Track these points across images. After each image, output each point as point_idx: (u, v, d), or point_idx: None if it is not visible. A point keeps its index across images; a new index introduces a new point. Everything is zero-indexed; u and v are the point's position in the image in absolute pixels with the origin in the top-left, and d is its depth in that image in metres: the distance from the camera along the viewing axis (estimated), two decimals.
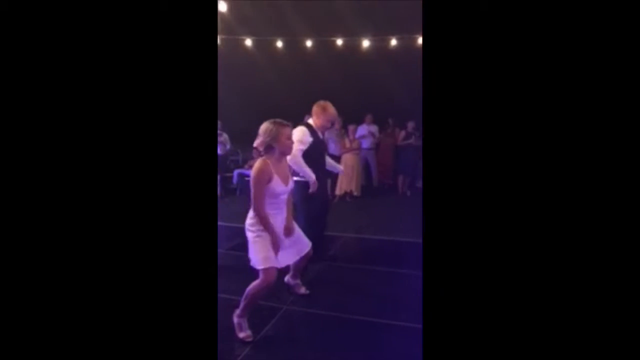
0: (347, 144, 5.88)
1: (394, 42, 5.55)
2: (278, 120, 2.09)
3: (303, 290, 2.69)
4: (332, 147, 6.00)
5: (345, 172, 5.87)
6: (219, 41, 4.47)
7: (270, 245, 2.07)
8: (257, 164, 2.04)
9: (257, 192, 2.01)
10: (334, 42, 5.26)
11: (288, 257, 2.23)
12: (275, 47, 5.56)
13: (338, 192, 5.94)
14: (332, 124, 2.95)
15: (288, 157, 2.64)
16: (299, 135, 2.73)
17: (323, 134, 2.98)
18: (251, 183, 2.05)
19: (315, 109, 2.86)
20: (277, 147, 2.06)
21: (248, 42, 5.46)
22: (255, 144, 2.10)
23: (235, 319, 2.18)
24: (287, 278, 2.73)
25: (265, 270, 2.04)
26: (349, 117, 6.00)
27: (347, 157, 5.88)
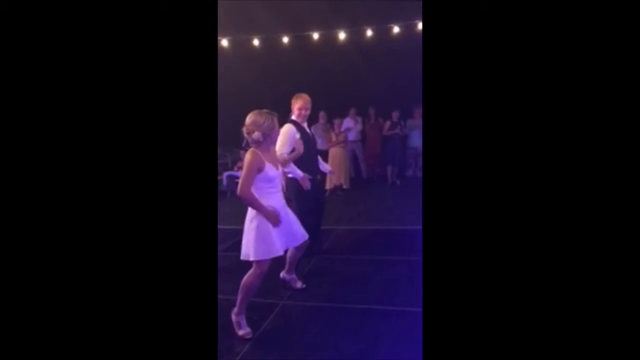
0: (334, 138, 5.90)
1: (369, 33, 5.54)
2: (266, 110, 2.13)
3: (299, 284, 2.72)
4: (319, 142, 6.02)
5: (334, 165, 5.91)
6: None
7: (263, 236, 2.09)
8: (250, 155, 2.07)
9: (246, 178, 2.04)
10: (309, 36, 5.22)
11: (286, 242, 2.26)
12: (252, 46, 5.50)
13: (328, 186, 5.96)
14: (309, 109, 2.91)
15: (278, 152, 2.66)
16: (284, 130, 2.73)
17: (310, 127, 3.00)
18: (243, 171, 2.10)
19: (292, 102, 2.90)
20: (272, 136, 2.15)
21: (224, 42, 5.41)
22: (254, 137, 2.08)
23: (234, 317, 2.20)
24: (282, 274, 2.75)
25: (257, 261, 2.08)
26: (333, 111, 6.03)
27: (335, 151, 5.90)
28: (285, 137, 2.73)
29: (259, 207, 2.07)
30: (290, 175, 2.87)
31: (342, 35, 5.12)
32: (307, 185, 2.77)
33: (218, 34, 5.04)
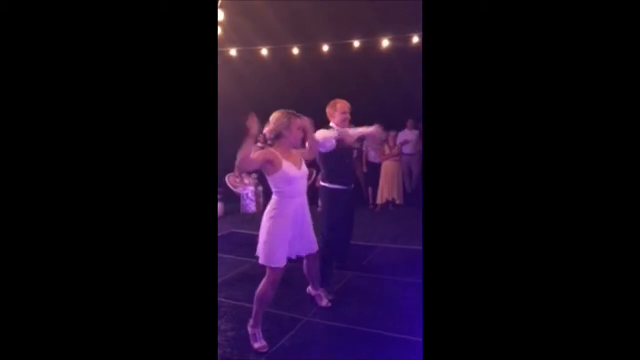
0: (387, 151, 5.70)
1: (415, 39, 5.15)
2: (290, 110, 2.08)
3: (325, 302, 2.59)
4: (372, 155, 5.87)
5: (386, 179, 5.70)
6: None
7: (276, 241, 2.03)
8: (265, 150, 2.02)
9: (245, 158, 1.87)
10: (350, 44, 5.02)
11: (297, 248, 2.18)
12: (291, 54, 5.39)
13: (379, 200, 5.76)
14: (349, 115, 2.76)
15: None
16: (319, 136, 2.57)
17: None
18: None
19: (328, 109, 2.78)
20: (288, 135, 2.05)
21: (264, 51, 5.36)
22: (264, 131, 2.07)
23: (250, 329, 2.15)
24: (308, 288, 2.65)
25: (271, 268, 2.02)
26: (389, 123, 5.81)
27: (388, 164, 5.70)
28: (321, 134, 2.57)
29: (240, 167, 2.01)
30: (323, 183, 2.77)
31: (385, 43, 4.85)
32: (379, 133, 2.68)
33: (255, 43, 5.10)
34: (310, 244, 2.25)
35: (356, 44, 4.97)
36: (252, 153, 1.96)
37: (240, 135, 2.17)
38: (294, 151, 2.15)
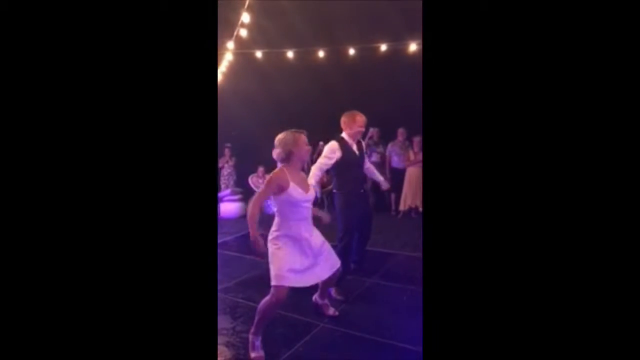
0: (412, 157, 5.60)
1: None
2: (292, 129, 2.08)
3: (332, 311, 2.53)
4: (395, 160, 5.77)
5: (410, 186, 5.60)
6: (231, 56, 4.54)
7: (283, 262, 1.99)
8: (275, 171, 2.05)
9: (261, 191, 2.01)
10: (377, 48, 4.96)
11: (308, 277, 2.10)
12: (316, 57, 5.35)
13: (402, 207, 5.66)
14: (366, 130, 2.86)
15: (313, 168, 2.66)
16: (326, 151, 2.74)
17: (360, 144, 2.88)
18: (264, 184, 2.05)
19: (344, 119, 2.79)
20: (297, 152, 2.04)
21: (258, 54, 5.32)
22: (274, 154, 2.08)
23: (250, 337, 2.11)
24: (314, 297, 2.61)
25: (276, 287, 1.98)
26: (416, 128, 5.71)
27: (412, 171, 5.59)
28: (325, 158, 2.72)
29: (250, 226, 1.95)
30: (336, 191, 2.84)
31: (412, 47, 4.76)
32: (386, 186, 2.96)
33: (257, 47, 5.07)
34: (326, 268, 2.18)
35: (383, 47, 4.92)
36: (269, 176, 2.02)
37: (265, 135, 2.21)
38: (302, 174, 2.14)
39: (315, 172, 2.71)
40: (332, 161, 2.72)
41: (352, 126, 2.74)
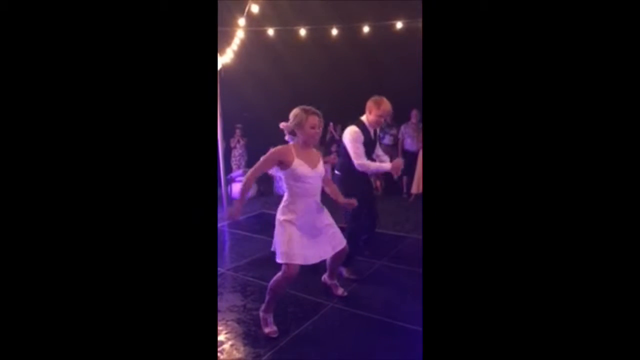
0: None
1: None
2: (308, 107, 2.03)
3: (341, 292, 2.56)
4: (409, 143, 5.69)
5: (421, 169, 5.54)
6: (242, 34, 4.43)
7: (291, 239, 2.00)
8: (281, 146, 2.06)
9: (262, 163, 2.03)
10: (392, 25, 4.80)
11: (314, 253, 2.11)
12: (330, 35, 5.22)
13: (414, 190, 5.61)
14: (385, 120, 2.79)
15: (355, 163, 2.60)
16: (354, 136, 2.62)
17: (375, 131, 2.82)
18: None
19: (369, 104, 2.70)
20: (300, 134, 2.02)
21: (270, 31, 5.20)
22: (281, 126, 2.09)
23: (261, 314, 2.16)
24: (323, 277, 2.63)
25: (287, 264, 1.99)
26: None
27: None
28: (358, 143, 2.62)
29: (240, 190, 2.03)
30: (338, 172, 2.79)
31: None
32: (397, 173, 2.76)
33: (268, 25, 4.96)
34: (332, 245, 2.19)
35: (399, 25, 4.78)
36: (274, 148, 2.04)
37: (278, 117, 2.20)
38: (313, 150, 2.11)
39: (365, 163, 2.63)
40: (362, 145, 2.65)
41: (375, 112, 2.66)
